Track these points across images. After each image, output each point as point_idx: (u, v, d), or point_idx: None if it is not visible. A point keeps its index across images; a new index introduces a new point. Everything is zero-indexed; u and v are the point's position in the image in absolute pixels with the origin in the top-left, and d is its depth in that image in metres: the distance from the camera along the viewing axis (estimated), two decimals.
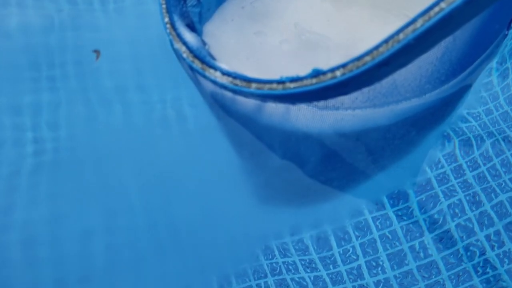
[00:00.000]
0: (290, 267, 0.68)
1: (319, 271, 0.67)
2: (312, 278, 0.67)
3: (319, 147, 0.62)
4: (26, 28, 0.83)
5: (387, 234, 0.69)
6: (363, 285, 0.66)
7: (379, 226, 0.69)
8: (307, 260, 0.68)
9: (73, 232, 0.69)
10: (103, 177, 0.72)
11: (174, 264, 0.68)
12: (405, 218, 0.69)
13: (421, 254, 0.68)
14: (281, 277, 0.67)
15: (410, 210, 0.70)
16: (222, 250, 0.69)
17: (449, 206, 0.69)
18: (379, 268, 0.67)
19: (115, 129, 0.75)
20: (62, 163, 0.73)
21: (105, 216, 0.70)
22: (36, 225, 0.69)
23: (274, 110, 0.55)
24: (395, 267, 0.67)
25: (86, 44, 0.81)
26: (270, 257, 0.68)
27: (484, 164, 0.71)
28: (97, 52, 0.79)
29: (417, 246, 0.68)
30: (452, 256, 0.67)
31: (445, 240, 0.67)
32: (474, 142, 0.72)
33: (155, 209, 0.70)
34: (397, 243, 0.68)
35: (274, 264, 0.68)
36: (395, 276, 0.67)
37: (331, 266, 0.68)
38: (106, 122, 0.75)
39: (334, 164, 0.67)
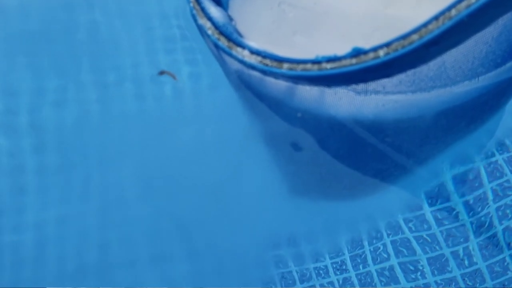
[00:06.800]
0: (321, 271, 0.63)
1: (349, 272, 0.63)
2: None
3: (355, 137, 0.57)
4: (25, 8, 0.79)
5: (425, 236, 0.63)
6: None
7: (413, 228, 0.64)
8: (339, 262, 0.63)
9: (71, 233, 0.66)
10: (107, 168, 0.68)
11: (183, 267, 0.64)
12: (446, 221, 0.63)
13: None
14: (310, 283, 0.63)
15: (454, 211, 0.64)
16: (241, 252, 0.64)
17: (498, 208, 0.63)
18: (419, 273, 0.62)
19: (128, 115, 0.70)
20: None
21: (101, 214, 0.66)
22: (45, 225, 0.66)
23: (307, 94, 0.51)
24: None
25: (98, 20, 0.77)
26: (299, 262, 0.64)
27: None
28: (168, 73, 0.73)
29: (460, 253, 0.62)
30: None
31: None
32: None
33: (168, 208, 0.66)
34: (437, 247, 0.63)
35: (304, 270, 0.63)
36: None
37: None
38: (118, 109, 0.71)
39: (369, 157, 0.62)
